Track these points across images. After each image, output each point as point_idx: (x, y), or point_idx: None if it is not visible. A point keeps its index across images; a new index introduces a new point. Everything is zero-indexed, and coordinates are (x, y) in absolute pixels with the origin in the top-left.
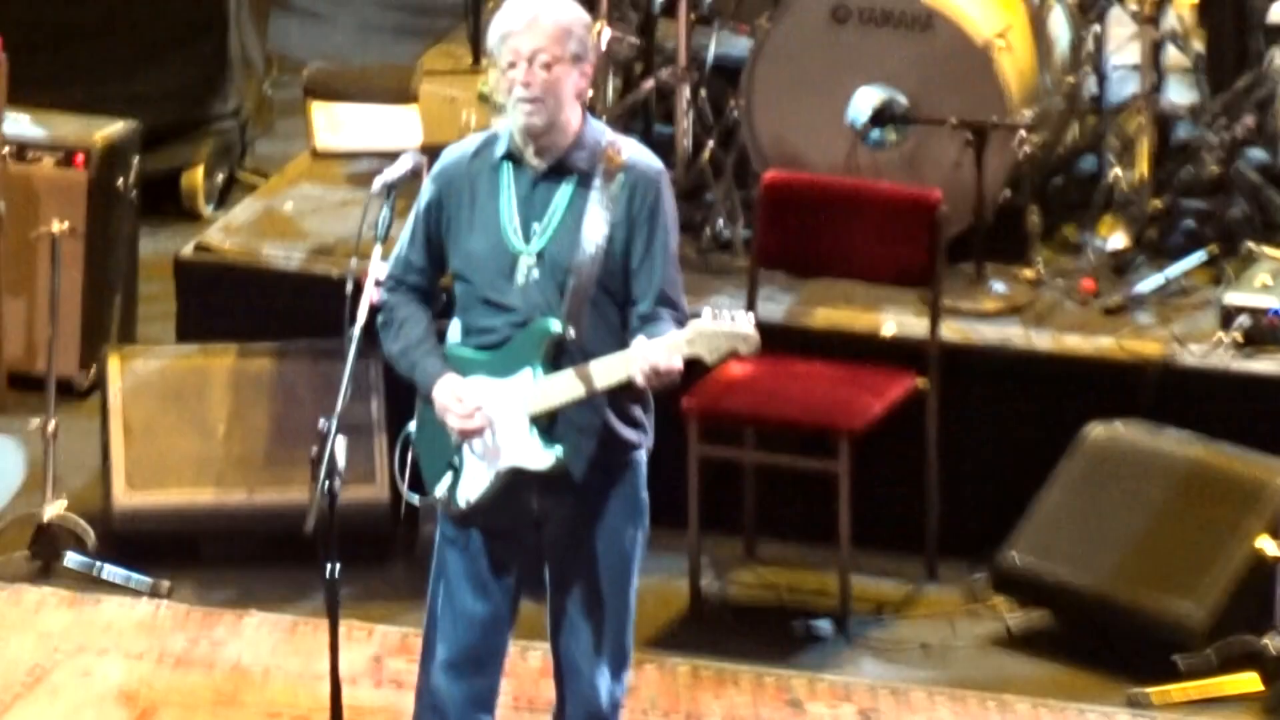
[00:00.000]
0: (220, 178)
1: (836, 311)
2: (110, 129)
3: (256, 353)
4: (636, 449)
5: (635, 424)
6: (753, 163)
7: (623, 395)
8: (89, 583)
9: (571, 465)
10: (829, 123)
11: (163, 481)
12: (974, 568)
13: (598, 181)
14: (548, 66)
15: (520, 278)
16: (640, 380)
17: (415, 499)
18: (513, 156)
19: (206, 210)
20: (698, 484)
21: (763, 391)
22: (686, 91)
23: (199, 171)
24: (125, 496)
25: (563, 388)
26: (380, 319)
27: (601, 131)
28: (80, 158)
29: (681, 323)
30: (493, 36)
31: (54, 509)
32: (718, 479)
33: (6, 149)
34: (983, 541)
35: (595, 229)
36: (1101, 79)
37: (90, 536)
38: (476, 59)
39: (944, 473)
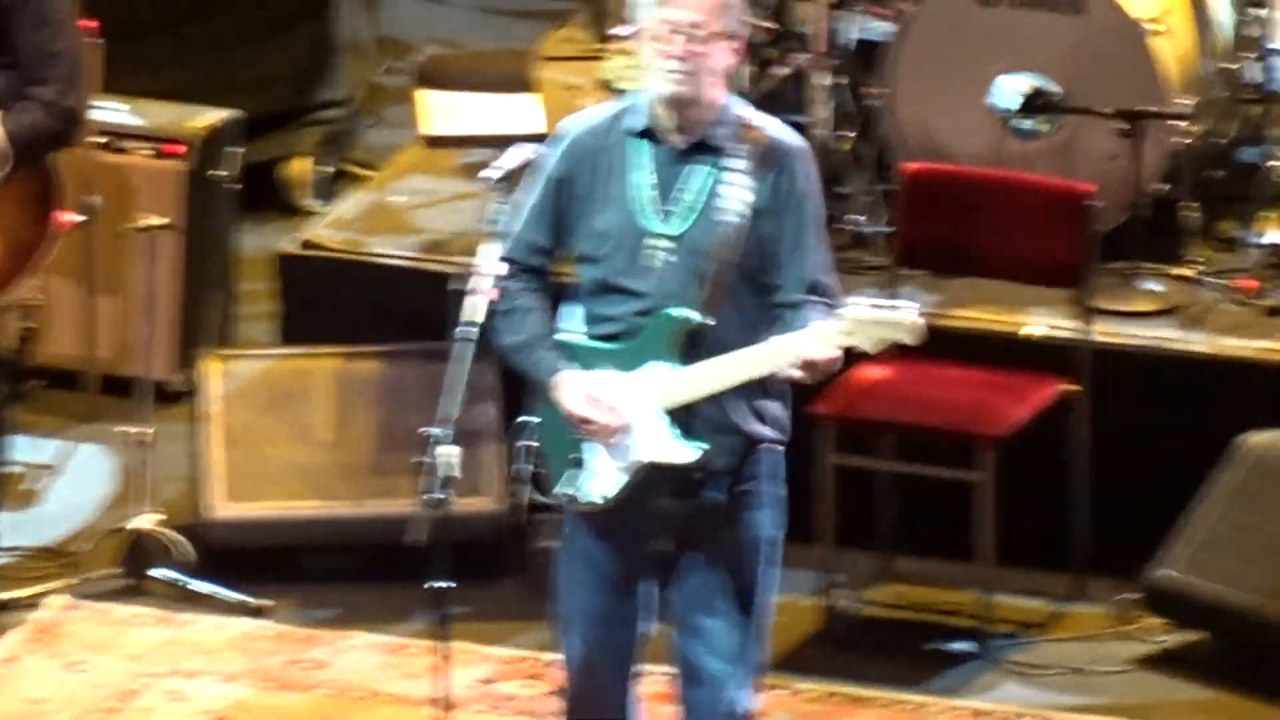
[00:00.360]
0: (327, 169)
1: (981, 312)
2: (210, 118)
3: (364, 355)
4: (775, 445)
5: (773, 420)
6: (894, 154)
7: (758, 390)
8: (183, 600)
9: (712, 460)
10: (975, 112)
11: (263, 492)
12: (1124, 586)
13: (739, 161)
14: (704, 40)
15: (657, 261)
16: (795, 375)
17: (539, 497)
18: (651, 131)
19: (312, 204)
20: (832, 495)
21: (900, 397)
22: (824, 79)
23: (304, 163)
24: (223, 508)
25: (703, 381)
26: (500, 306)
27: (744, 111)
28: (178, 148)
29: (834, 309)
30: (643, 3)
31: (147, 521)
32: (852, 490)
33: (101, 139)
34: (1134, 557)
35: (738, 211)
36: (1266, 65)
37: (186, 550)
38: (599, 44)
39: (1093, 484)
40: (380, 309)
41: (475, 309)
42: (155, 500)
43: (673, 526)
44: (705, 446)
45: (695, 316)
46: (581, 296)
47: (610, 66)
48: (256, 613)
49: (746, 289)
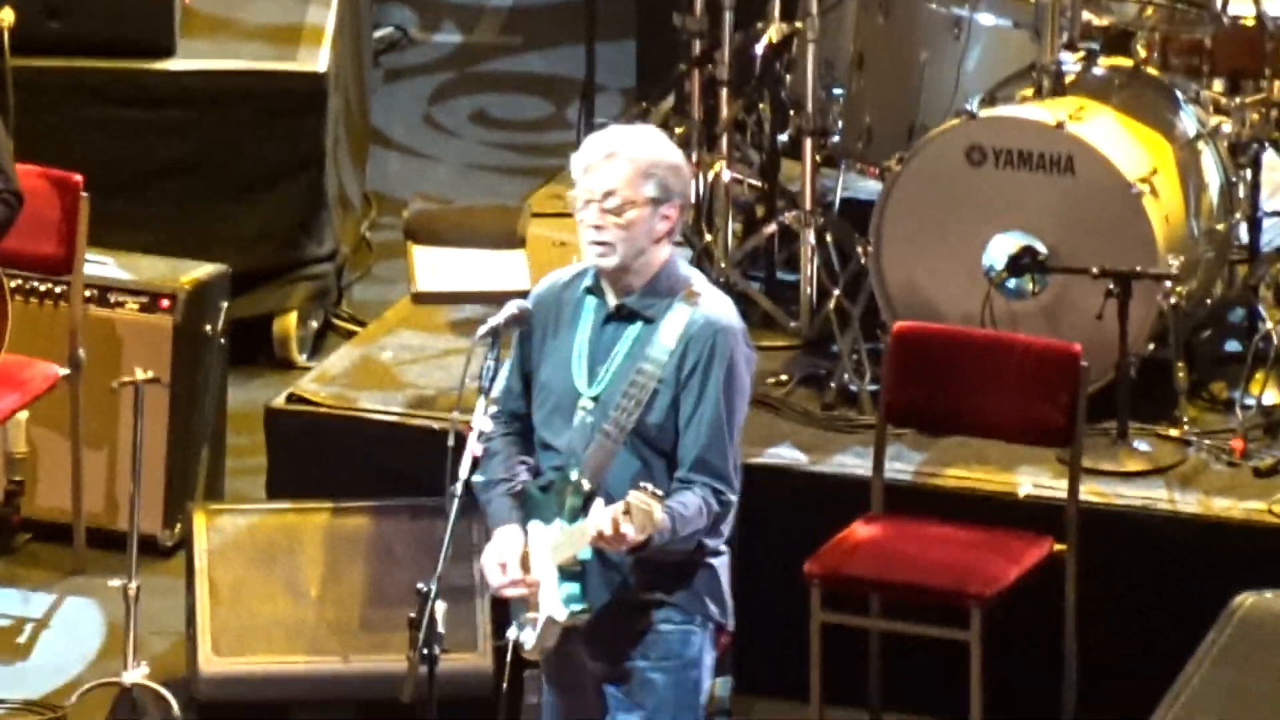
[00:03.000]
0: (314, 324)
1: (969, 471)
2: (198, 272)
3: (352, 510)
4: (665, 606)
5: (664, 577)
6: (881, 312)
7: (664, 559)
8: None
9: (595, 617)
10: (962, 270)
11: (252, 647)
12: None
13: (662, 329)
14: (619, 210)
15: (576, 419)
16: (597, 542)
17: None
18: (594, 290)
19: (300, 358)
20: (820, 653)
21: (889, 555)
22: (811, 236)
23: (292, 317)
24: (211, 663)
25: (573, 539)
26: (480, 447)
27: (686, 278)
28: (166, 302)
29: (720, 496)
30: (573, 168)
31: (135, 675)
32: (841, 648)
33: (88, 292)
34: (1123, 718)
35: (646, 378)
36: (1253, 226)
37: (174, 706)
38: None
39: (1082, 644)
40: (368, 464)
41: (465, 465)
42: (143, 654)
43: (598, 679)
44: (580, 608)
45: (578, 478)
46: (538, 447)
47: None
48: None
49: (656, 458)
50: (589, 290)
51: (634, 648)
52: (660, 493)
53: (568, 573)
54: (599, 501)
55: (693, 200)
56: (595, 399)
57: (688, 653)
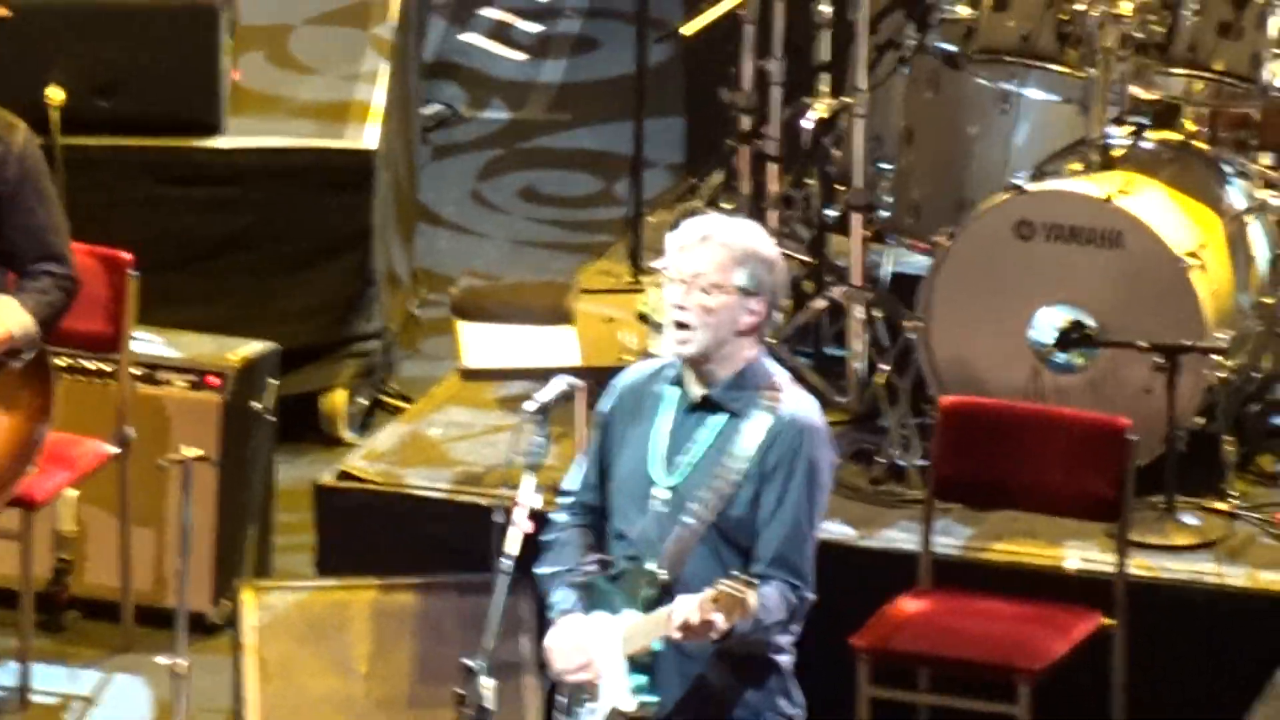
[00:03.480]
0: (363, 401)
1: (1017, 545)
2: (247, 349)
3: (400, 587)
4: (738, 703)
5: (738, 672)
6: (929, 386)
7: (732, 645)
8: None
9: (667, 712)
10: (1011, 345)
11: None
12: None
13: (747, 425)
14: (706, 292)
15: (650, 509)
16: (675, 634)
17: None
18: (678, 382)
19: (348, 435)
20: None
21: (938, 629)
22: (859, 311)
23: (341, 394)
24: None
25: (647, 629)
26: (546, 535)
27: (772, 374)
28: (214, 379)
29: (798, 592)
30: (666, 247)
31: None
32: None
33: (136, 370)
34: None
35: (728, 473)
36: None
37: None
38: (636, 276)
39: (1130, 718)
40: (416, 541)
41: (513, 541)
42: None
43: None
44: (653, 700)
45: (654, 569)
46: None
47: (647, 299)
48: None
49: (733, 554)
50: (673, 382)
51: None
52: (753, 581)
53: (638, 664)
54: (680, 595)
55: (785, 301)
56: (672, 489)
57: None
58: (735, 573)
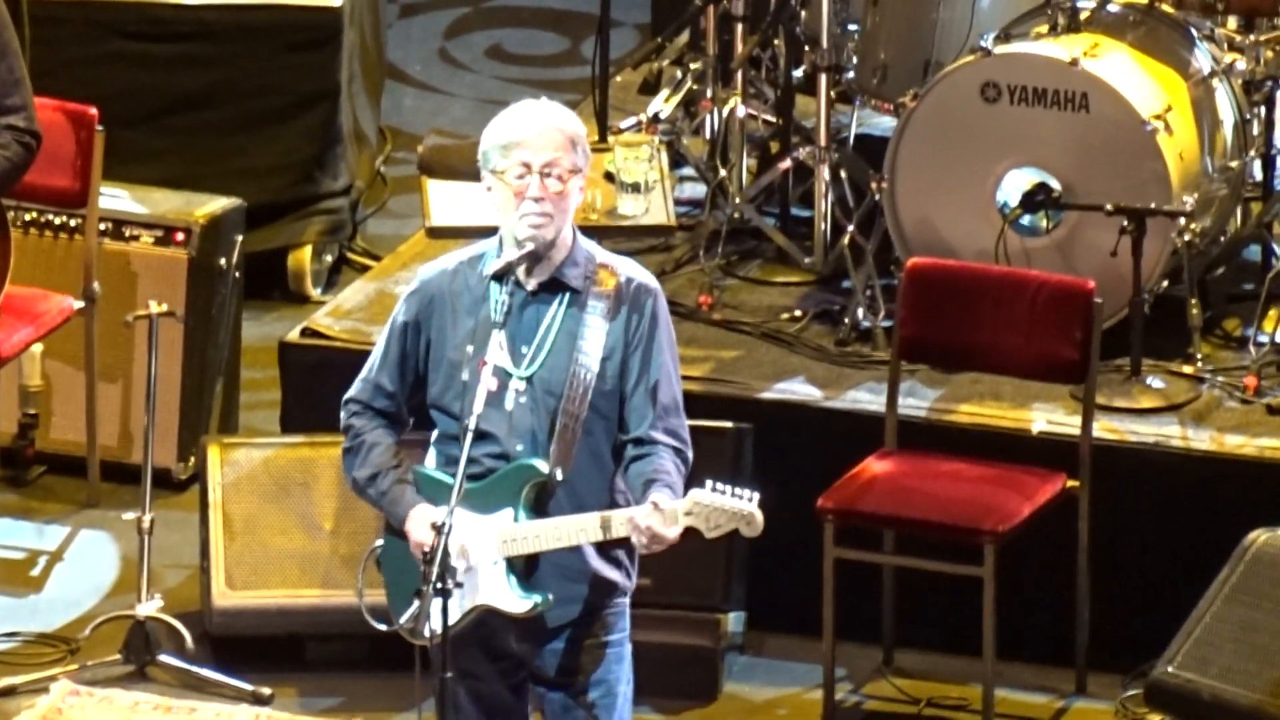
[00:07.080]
0: (329, 258)
1: (983, 408)
2: (213, 206)
3: None
4: (621, 593)
5: (618, 565)
6: (895, 248)
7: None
8: (185, 688)
9: (549, 611)
10: (976, 207)
11: (265, 580)
12: (1126, 682)
13: (592, 301)
14: (561, 179)
15: (507, 404)
16: (636, 543)
17: (381, 626)
18: (499, 275)
19: (314, 293)
20: (833, 588)
21: (903, 491)
22: (825, 172)
23: (306, 252)
24: (225, 596)
25: (544, 535)
26: (345, 444)
27: (593, 248)
28: (180, 236)
29: (684, 456)
30: (494, 141)
31: (149, 608)
32: (854, 583)
33: (103, 226)
34: (1136, 654)
35: (591, 352)
36: (1268, 164)
37: (187, 638)
38: (603, 136)
39: (1095, 580)
40: None
41: (479, 399)
42: (157, 588)
43: (526, 668)
44: (540, 599)
45: (544, 469)
46: (438, 440)
47: (614, 158)
48: (261, 700)
49: (602, 431)
50: (494, 277)
51: (588, 631)
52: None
53: (516, 564)
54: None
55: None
56: (527, 379)
57: (625, 624)
58: (719, 485)
